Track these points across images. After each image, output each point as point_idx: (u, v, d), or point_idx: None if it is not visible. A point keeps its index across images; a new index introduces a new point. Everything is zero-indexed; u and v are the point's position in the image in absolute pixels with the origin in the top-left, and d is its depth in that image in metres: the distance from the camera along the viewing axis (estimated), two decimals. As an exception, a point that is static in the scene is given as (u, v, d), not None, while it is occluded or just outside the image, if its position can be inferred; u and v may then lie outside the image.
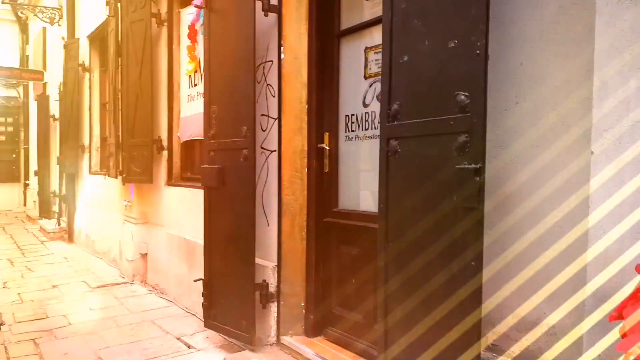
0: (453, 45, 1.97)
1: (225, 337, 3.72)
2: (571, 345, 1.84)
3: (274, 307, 3.42)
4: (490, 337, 2.12)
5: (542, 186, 1.92)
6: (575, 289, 1.83)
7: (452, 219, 1.97)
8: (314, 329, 3.38)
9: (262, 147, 3.54)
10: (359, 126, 3.15)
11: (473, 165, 1.87)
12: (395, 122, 2.26)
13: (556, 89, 1.88)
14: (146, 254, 5.52)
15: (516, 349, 2.02)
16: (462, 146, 1.94)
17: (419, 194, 2.14)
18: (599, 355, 1.70)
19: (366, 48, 3.08)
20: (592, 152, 1.71)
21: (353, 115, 3.19)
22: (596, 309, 1.78)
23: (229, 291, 3.49)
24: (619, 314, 1.12)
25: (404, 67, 2.23)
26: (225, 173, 3.52)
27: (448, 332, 1.96)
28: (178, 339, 3.86)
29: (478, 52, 1.86)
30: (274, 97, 3.43)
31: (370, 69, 3.05)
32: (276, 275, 3.41)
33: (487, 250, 2.07)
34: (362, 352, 3.03)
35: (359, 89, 3.14)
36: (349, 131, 3.23)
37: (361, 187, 3.21)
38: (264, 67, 3.53)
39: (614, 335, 1.51)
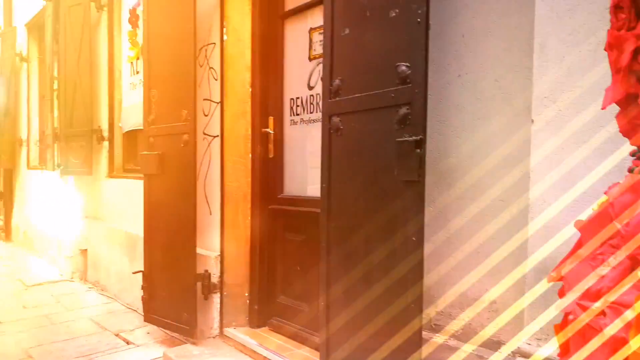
0: (394, 14, 1.91)
1: (167, 331, 3.56)
2: (512, 320, 1.80)
3: (216, 298, 3.28)
4: (431, 314, 2.07)
5: (484, 159, 1.89)
6: (516, 263, 1.80)
7: (393, 194, 1.91)
8: (258, 320, 3.26)
9: (204, 133, 3.40)
10: (304, 109, 3.06)
11: (414, 138, 1.82)
12: (337, 98, 2.19)
13: (497, 60, 1.85)
14: (86, 249, 5.25)
15: (457, 326, 1.98)
16: (403, 119, 1.88)
17: (361, 171, 2.07)
18: (541, 328, 1.67)
19: (311, 29, 3.00)
20: (532, 121, 1.67)
21: (298, 98, 3.10)
22: (537, 282, 1.75)
23: (170, 283, 3.34)
24: (557, 273, 1.07)
25: (345, 40, 2.15)
26: (165, 160, 3.36)
27: (389, 307, 1.89)
28: (117, 335, 3.66)
29: (419, 20, 1.81)
30: (216, 80, 3.30)
31: (314, 50, 2.97)
32: (219, 265, 3.28)
33: (429, 226, 2.02)
34: (307, 341, 2.94)
35: (303, 71, 3.06)
36: (294, 115, 3.14)
37: (308, 171, 3.12)
38: (206, 50, 3.39)
39: (555, 310, 1.47)
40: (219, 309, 3.28)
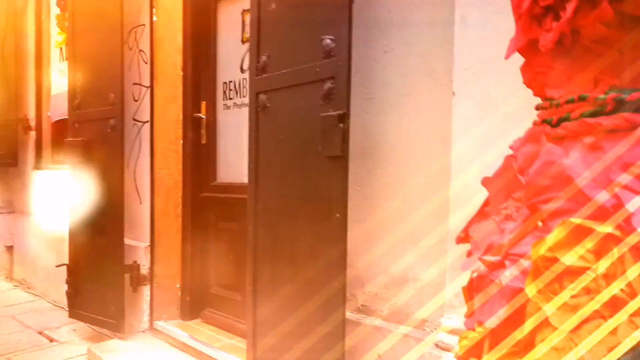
0: (319, -13, 1.87)
1: (95, 327, 3.38)
2: (437, 298, 1.78)
3: (146, 290, 3.14)
4: (360, 297, 2.03)
5: (410, 136, 1.86)
6: (441, 240, 1.78)
7: (318, 171, 1.86)
8: (191, 312, 3.14)
9: (134, 119, 3.25)
10: (237, 93, 2.97)
11: (337, 112, 1.77)
12: (264, 75, 2.12)
13: (422, 35, 1.82)
14: (12, 246, 4.95)
15: (385, 307, 1.94)
16: (327, 93, 1.83)
17: (288, 149, 2.02)
18: (461, 302, 1.65)
19: (243, 10, 2.91)
20: (453, 93, 1.66)
21: (231, 82, 3.01)
22: (458, 258, 1.73)
23: (97, 276, 3.17)
24: (464, 233, 1.04)
25: (272, 16, 2.09)
26: (91, 146, 3.19)
27: (314, 289, 1.84)
28: (40, 333, 3.46)
29: (342, -9, 1.76)
30: (146, 64, 3.16)
31: (247, 32, 2.88)
32: (149, 255, 3.14)
33: (357, 207, 1.99)
34: (240, 331, 2.85)
35: (236, 54, 2.97)
36: (227, 99, 3.04)
37: (242, 157, 3.02)
38: (135, 32, 3.25)
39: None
40: (149, 302, 3.14)
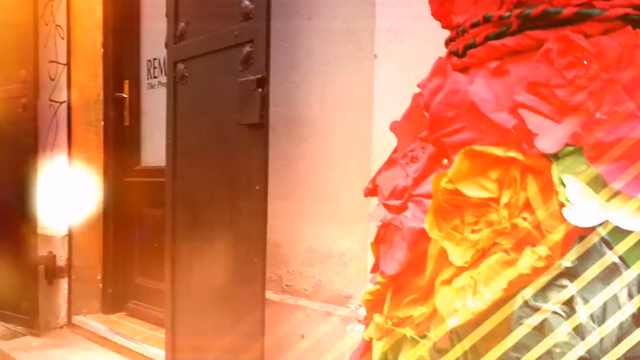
0: (236, -55, 1.75)
1: (7, 324, 3.11)
2: (361, 273, 1.70)
3: (64, 283, 2.92)
4: (285, 277, 1.93)
5: (333, 105, 1.78)
6: (366, 213, 1.70)
7: (237, 141, 1.74)
8: (113, 305, 2.95)
9: (50, 100, 3.02)
10: (162, 71, 2.81)
11: (256, 76, 1.66)
12: (182, 42, 1.98)
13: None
14: None
15: (310, 286, 1.85)
16: (246, 58, 1.72)
17: (207, 120, 1.89)
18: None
19: (168, -17, 2.75)
20: (375, 56, 1.59)
21: (156, 59, 2.84)
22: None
23: (7, 269, 2.92)
24: (372, 184, 0.95)
25: (190, -21, 1.96)
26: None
27: (234, 266, 1.73)
28: (-55, 334, 3.15)
29: (260, -52, 1.66)
30: (63, 39, 2.94)
31: (172, 5, 2.72)
32: (66, 245, 2.92)
33: (281, 181, 1.89)
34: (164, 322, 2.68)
35: (162, 29, 2.77)
36: (151, 78, 2.87)
37: (167, 141, 2.87)
38: (52, 6, 3.02)
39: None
40: (66, 295, 2.92)
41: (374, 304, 0.84)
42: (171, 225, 2.02)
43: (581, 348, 0.52)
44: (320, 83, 1.82)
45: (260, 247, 1.67)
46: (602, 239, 0.58)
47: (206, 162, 1.90)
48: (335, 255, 1.78)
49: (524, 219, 0.63)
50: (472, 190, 0.68)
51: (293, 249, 1.92)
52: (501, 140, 0.68)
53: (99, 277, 2.97)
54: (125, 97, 2.91)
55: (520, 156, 0.65)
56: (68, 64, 2.90)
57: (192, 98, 1.97)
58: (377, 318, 0.80)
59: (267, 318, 1.81)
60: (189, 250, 1.97)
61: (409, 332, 0.72)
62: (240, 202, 1.74)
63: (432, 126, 0.78)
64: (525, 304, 0.58)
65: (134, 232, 2.93)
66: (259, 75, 1.65)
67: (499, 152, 0.67)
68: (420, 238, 0.74)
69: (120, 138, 2.95)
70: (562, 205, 0.61)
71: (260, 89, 1.65)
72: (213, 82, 1.87)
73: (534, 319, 0.57)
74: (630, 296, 0.54)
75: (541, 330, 0.56)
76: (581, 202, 0.60)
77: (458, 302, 0.63)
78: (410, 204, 0.79)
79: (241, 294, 1.72)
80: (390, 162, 0.94)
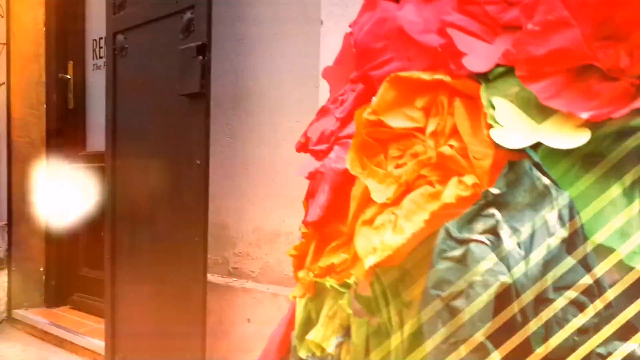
0: None
1: (-59, 322, 2.92)
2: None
3: (3, 275, 2.75)
4: (231, 260, 1.84)
5: (280, 77, 1.70)
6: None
7: (177, 112, 1.65)
8: (57, 298, 2.79)
9: (-11, 81, 2.85)
10: (108, 51, 2.67)
11: (196, 43, 1.57)
12: (122, 12, 1.87)
13: (292, -34, 1.67)
14: None
15: (257, 267, 1.77)
16: (187, 25, 1.62)
17: (147, 93, 1.79)
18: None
19: (115, -42, 2.62)
20: (321, 22, 1.51)
21: (102, 38, 2.70)
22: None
23: (-59, 261, 2.73)
24: (304, 137, 0.88)
25: (130, -55, 1.85)
26: None
27: (175, 247, 1.63)
28: None
29: None
30: (2, 17, 2.77)
31: (118, -18, 2.60)
32: (6, 236, 2.75)
33: (228, 159, 1.81)
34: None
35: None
36: (97, 58, 2.73)
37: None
38: (-10, -19, 2.85)
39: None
40: (6, 289, 2.75)
41: (300, 260, 0.76)
42: (111, 206, 1.90)
43: (505, 275, 0.45)
44: (267, 55, 1.74)
45: (202, 225, 1.57)
46: (534, 163, 0.52)
47: (148, 138, 1.80)
48: (283, 234, 1.70)
49: (451, 146, 0.56)
50: (397, 121, 0.61)
51: (240, 230, 1.83)
52: (429, 66, 0.62)
53: (42, 269, 2.81)
54: (69, 79, 2.76)
55: (447, 78, 0.58)
56: (7, 44, 2.74)
57: (132, 71, 1.86)
58: (301, 273, 0.73)
59: (213, 303, 1.72)
60: (129, 233, 1.86)
61: (329, 282, 0.64)
62: (181, 177, 1.64)
63: (360, 60, 0.71)
64: (449, 236, 0.51)
65: (78, 220, 2.78)
66: (200, 42, 1.56)
67: (425, 76, 0.60)
68: (343, 179, 0.67)
69: (63, 122, 2.79)
70: (491, 128, 0.54)
71: (201, 57, 1.55)
72: (154, 53, 1.77)
73: (458, 252, 0.50)
74: (561, 220, 0.48)
75: (464, 262, 0.49)
76: (511, 124, 0.53)
77: (376, 239, 0.56)
78: (335, 147, 0.71)
79: (182, 276, 1.62)
80: (322, 112, 0.87)
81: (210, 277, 1.79)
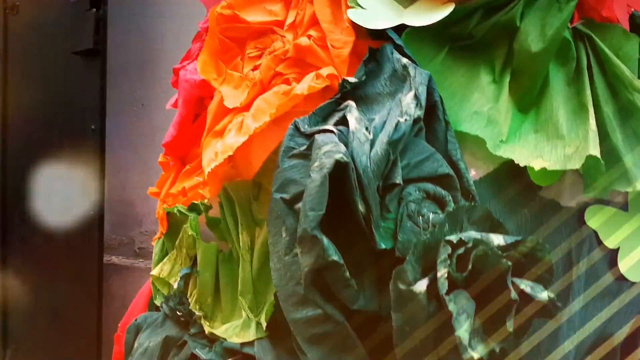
0: None
1: None
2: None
3: None
4: (137, 239, 1.71)
5: (190, 40, 1.59)
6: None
7: (70, 73, 1.51)
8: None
9: None
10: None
11: (87, -4, 1.43)
12: (13, -33, 1.70)
13: None
14: None
15: (164, 246, 1.64)
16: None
17: (40, 53, 1.64)
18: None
19: None
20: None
21: None
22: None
23: None
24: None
25: None
26: None
27: (67, 220, 1.49)
28: None
29: None
30: None
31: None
32: None
33: (138, 133, 1.67)
34: None
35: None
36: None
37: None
38: None
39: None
40: None
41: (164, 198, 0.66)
42: (1, 181, 1.73)
43: (341, 153, 0.37)
44: (176, 17, 1.63)
45: (99, 197, 1.44)
46: (395, 46, 0.45)
47: (41, 103, 1.64)
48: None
49: (309, 36, 0.48)
50: (255, 15, 0.52)
51: (147, 207, 1.70)
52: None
53: None
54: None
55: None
56: None
57: (24, 31, 1.69)
58: (157, 208, 0.63)
59: (117, 287, 1.59)
60: (20, 215, 1.69)
61: (178, 208, 0.55)
62: (75, 145, 1.50)
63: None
64: (297, 132, 0.43)
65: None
66: (92, -6, 1.42)
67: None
68: (202, 92, 0.57)
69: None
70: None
71: (94, 9, 1.42)
72: (47, 9, 1.61)
73: (305, 148, 0.42)
74: (417, 99, 0.40)
75: (309, 157, 0.41)
76: (374, 6, 0.46)
77: (218, 143, 0.47)
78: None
79: (78, 253, 1.48)
80: (198, 37, 0.77)
81: (115, 258, 1.67)
